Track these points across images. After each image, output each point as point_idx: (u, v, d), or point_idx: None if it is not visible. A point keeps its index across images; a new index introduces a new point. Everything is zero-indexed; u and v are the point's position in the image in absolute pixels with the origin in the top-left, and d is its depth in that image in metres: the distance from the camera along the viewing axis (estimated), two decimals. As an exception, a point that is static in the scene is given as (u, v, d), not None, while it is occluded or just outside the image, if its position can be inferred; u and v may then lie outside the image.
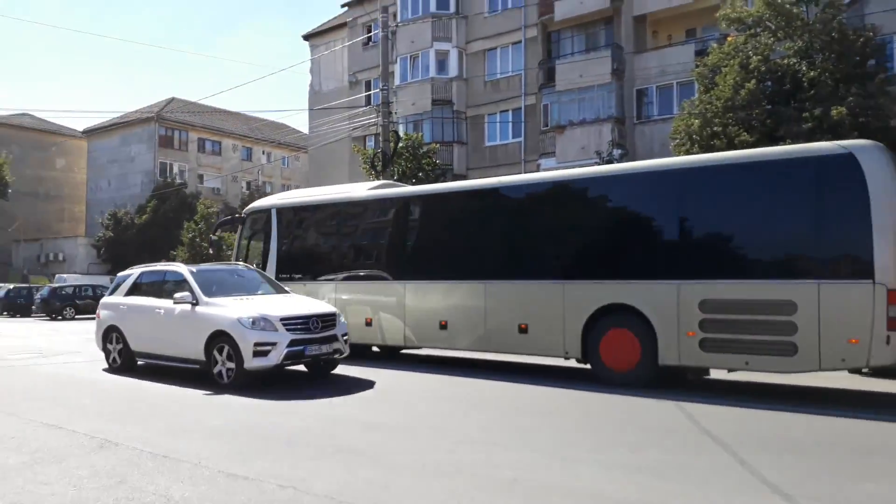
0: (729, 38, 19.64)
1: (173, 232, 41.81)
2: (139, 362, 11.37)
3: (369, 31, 35.19)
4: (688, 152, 18.62)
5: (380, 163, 21.20)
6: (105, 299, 12.20)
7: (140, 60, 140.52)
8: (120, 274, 12.54)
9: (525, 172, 24.25)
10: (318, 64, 38.93)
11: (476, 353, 12.23)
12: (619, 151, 24.63)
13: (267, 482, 5.07)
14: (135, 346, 11.13)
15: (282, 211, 14.29)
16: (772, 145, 18.06)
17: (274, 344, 9.25)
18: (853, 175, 8.07)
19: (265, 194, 38.84)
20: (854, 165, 8.11)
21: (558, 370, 11.18)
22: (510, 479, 5.15)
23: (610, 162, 21.64)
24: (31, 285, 37.30)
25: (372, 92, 33.44)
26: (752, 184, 8.98)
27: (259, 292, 10.74)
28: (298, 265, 13.83)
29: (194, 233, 39.37)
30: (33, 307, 31.64)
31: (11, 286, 35.92)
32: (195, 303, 9.97)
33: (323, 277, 13.29)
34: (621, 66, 26.64)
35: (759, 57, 17.94)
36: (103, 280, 39.36)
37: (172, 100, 56.71)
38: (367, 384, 9.82)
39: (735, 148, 17.59)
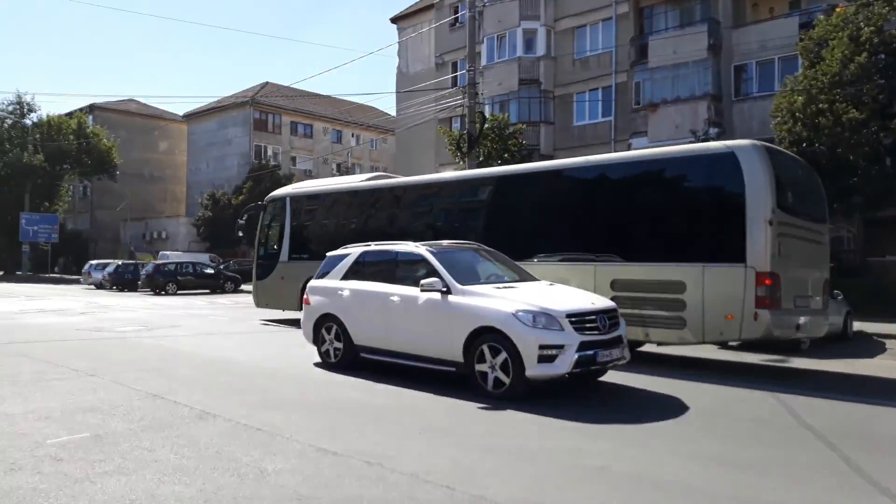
0: (838, 9, 18.54)
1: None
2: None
3: (456, 13, 35.09)
4: (790, 130, 17.81)
5: (465, 144, 21.16)
6: (315, 283, 10.25)
7: (235, 47, 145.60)
8: (331, 254, 10.51)
9: (616, 151, 23.69)
10: (405, 46, 39.21)
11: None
12: (716, 130, 23.71)
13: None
14: (358, 339, 9.38)
15: (295, 199, 16.16)
16: (884, 122, 17.04)
17: (561, 347, 7.28)
18: (733, 171, 9.10)
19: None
20: (734, 163, 9.11)
21: (638, 357, 10.92)
22: (598, 467, 5.07)
23: (706, 140, 20.85)
24: (137, 262, 39.53)
25: (458, 73, 33.37)
26: (653, 179, 10.31)
27: (506, 279, 8.86)
28: (308, 245, 15.76)
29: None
30: (139, 282, 33.50)
31: (120, 262, 38.27)
32: (446, 290, 8.16)
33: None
34: (718, 41, 25.52)
35: (872, 28, 16.88)
36: (203, 257, 41.30)
37: (266, 84, 58.54)
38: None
39: (842, 125, 16.68)
